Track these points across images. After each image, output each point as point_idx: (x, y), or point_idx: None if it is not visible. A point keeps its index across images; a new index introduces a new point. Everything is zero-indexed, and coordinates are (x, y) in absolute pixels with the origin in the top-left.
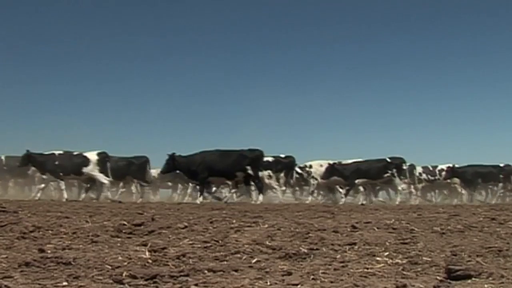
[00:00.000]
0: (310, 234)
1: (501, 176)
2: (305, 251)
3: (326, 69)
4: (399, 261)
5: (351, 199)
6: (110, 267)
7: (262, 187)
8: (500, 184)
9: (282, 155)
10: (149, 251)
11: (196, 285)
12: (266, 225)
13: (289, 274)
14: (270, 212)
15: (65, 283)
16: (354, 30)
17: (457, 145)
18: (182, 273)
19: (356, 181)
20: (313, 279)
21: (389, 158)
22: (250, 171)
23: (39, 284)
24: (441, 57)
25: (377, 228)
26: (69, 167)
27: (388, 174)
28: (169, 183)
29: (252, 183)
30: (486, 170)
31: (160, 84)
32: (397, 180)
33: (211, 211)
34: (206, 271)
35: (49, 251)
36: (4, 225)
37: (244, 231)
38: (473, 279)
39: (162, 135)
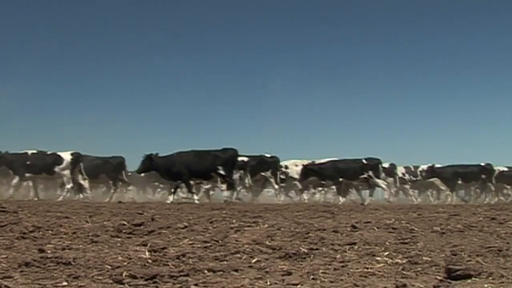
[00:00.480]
0: (310, 234)
1: (482, 176)
2: (305, 251)
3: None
4: (399, 261)
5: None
6: (110, 267)
7: (234, 187)
8: (482, 184)
9: (268, 155)
10: (149, 251)
11: (196, 285)
12: (266, 225)
13: (289, 274)
14: (270, 212)
15: (65, 283)
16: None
17: (455, 146)
18: (182, 273)
19: (334, 181)
20: (313, 279)
21: (365, 159)
22: (223, 171)
23: (39, 284)
24: (427, 58)
25: (377, 228)
26: (41, 166)
27: (364, 175)
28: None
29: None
30: (466, 170)
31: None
32: (375, 180)
33: (211, 211)
34: (206, 271)
35: (49, 251)
36: (4, 225)
37: (244, 231)
38: (473, 278)
39: (162, 135)
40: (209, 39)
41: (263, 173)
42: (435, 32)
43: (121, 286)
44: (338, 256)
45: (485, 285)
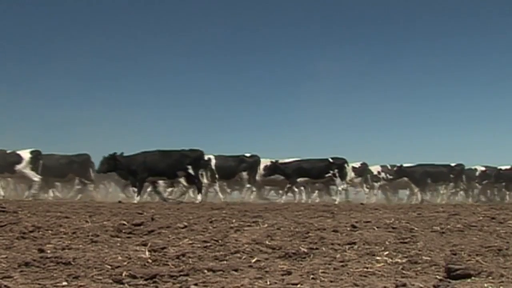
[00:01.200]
0: (309, 234)
1: (451, 176)
2: (305, 250)
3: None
4: (399, 260)
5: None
6: (109, 267)
7: (201, 187)
8: (451, 184)
9: (247, 154)
10: (148, 251)
11: (195, 284)
12: (266, 225)
13: (289, 273)
14: (270, 212)
15: (64, 283)
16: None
17: (455, 146)
18: (181, 273)
19: (298, 179)
20: (312, 278)
21: (332, 158)
22: (190, 171)
23: (39, 284)
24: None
25: (377, 227)
26: (2, 165)
27: (329, 174)
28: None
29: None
30: (435, 169)
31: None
32: (337, 180)
33: (211, 211)
34: (205, 271)
35: (48, 251)
36: (4, 225)
37: (244, 231)
38: (473, 278)
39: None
40: (203, 38)
41: (243, 173)
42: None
43: (121, 286)
44: (338, 255)
45: (485, 285)
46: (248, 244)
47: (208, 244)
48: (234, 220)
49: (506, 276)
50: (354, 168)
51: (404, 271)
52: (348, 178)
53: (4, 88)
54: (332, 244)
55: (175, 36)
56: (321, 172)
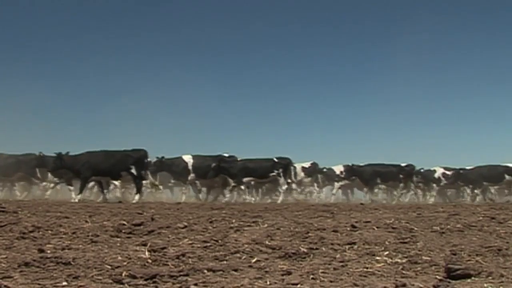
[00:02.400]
0: (309, 234)
1: (401, 176)
2: (305, 250)
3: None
4: (399, 260)
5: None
6: (109, 267)
7: (141, 188)
8: (401, 184)
9: (226, 154)
10: (148, 251)
11: (195, 284)
12: (266, 225)
13: (289, 273)
14: (270, 212)
15: (64, 283)
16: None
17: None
18: (181, 273)
19: (244, 179)
20: (312, 278)
21: (277, 158)
22: (133, 171)
23: (39, 284)
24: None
25: (377, 227)
26: None
27: (274, 174)
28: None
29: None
30: (385, 169)
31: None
32: (281, 180)
33: (211, 211)
34: (205, 271)
35: (48, 251)
36: (3, 225)
37: (244, 231)
38: (473, 278)
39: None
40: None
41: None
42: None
43: (121, 286)
44: (338, 255)
45: (485, 285)
46: (248, 244)
47: (208, 244)
48: (234, 220)
49: (506, 276)
50: (304, 168)
51: (404, 271)
52: (297, 178)
53: None
54: (332, 244)
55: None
56: (266, 172)
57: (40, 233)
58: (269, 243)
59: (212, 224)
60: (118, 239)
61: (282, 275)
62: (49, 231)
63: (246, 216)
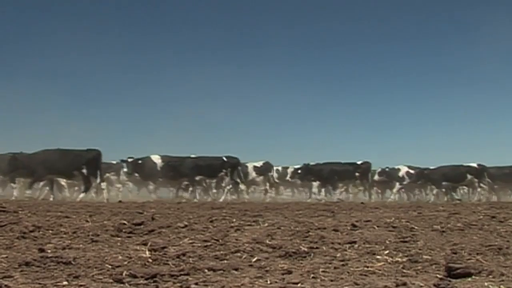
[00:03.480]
0: (310, 233)
1: (357, 174)
2: (305, 249)
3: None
4: (399, 259)
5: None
6: (110, 266)
7: (89, 188)
8: (357, 182)
9: (193, 155)
10: (149, 250)
11: (196, 284)
12: (266, 224)
13: (289, 272)
14: (270, 211)
15: (65, 283)
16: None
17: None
18: (182, 272)
19: (196, 177)
20: (313, 277)
21: (226, 156)
22: (84, 171)
23: (39, 283)
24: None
25: (377, 226)
26: None
27: (222, 173)
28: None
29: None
30: (342, 168)
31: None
32: (227, 179)
33: (211, 210)
34: (206, 270)
35: (49, 251)
36: (4, 225)
37: (244, 230)
38: (473, 277)
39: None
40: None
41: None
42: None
43: (122, 285)
44: (338, 255)
45: (485, 284)
46: (249, 244)
47: (209, 243)
48: (234, 220)
49: (506, 275)
50: (256, 168)
51: (404, 270)
52: (249, 177)
53: None
54: (333, 243)
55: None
56: (215, 171)
57: (41, 232)
58: (270, 242)
59: (213, 223)
60: (119, 238)
61: (283, 274)
62: (50, 231)
63: (247, 216)
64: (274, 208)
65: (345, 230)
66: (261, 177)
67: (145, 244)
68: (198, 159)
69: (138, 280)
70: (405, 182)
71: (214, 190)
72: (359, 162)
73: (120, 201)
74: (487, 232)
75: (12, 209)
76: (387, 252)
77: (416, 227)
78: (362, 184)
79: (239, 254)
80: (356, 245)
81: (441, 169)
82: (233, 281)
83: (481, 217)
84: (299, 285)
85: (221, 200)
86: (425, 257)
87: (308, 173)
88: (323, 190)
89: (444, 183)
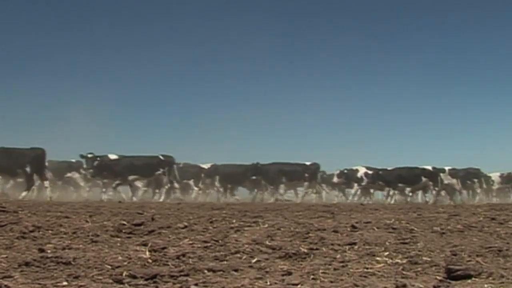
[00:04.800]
0: (310, 234)
1: (306, 175)
2: (305, 251)
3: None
4: (399, 261)
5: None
6: (110, 267)
7: (31, 187)
8: (306, 183)
9: (162, 156)
10: (149, 251)
11: (196, 284)
12: (266, 225)
13: (289, 274)
14: (270, 212)
15: (65, 283)
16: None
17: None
18: (182, 273)
19: (129, 177)
20: (313, 279)
21: (162, 155)
22: (28, 169)
23: (39, 284)
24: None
25: (377, 228)
26: None
27: (159, 172)
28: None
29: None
30: (290, 168)
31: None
32: (165, 179)
33: (211, 211)
34: (206, 271)
35: (49, 251)
36: (4, 225)
37: (244, 231)
38: (473, 279)
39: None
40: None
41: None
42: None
43: (121, 285)
44: (338, 256)
45: (485, 285)
46: (248, 244)
47: (208, 244)
48: (234, 220)
49: (506, 277)
50: (203, 169)
51: (404, 272)
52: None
53: None
54: (332, 244)
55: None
56: (151, 170)
57: (41, 232)
58: (270, 243)
59: (213, 224)
60: (119, 239)
61: (283, 275)
62: (50, 231)
63: (247, 216)
64: (274, 209)
65: (345, 231)
66: (210, 179)
67: (145, 245)
68: (133, 158)
69: (138, 281)
70: (363, 183)
71: (145, 188)
72: (307, 163)
73: (120, 201)
74: (487, 233)
75: (12, 209)
76: (387, 253)
77: (416, 229)
78: (311, 186)
79: (239, 255)
80: (356, 247)
81: (396, 170)
82: (232, 282)
83: (481, 218)
84: (298, 286)
85: (160, 200)
86: (425, 258)
87: (256, 173)
88: (269, 189)
89: (400, 184)
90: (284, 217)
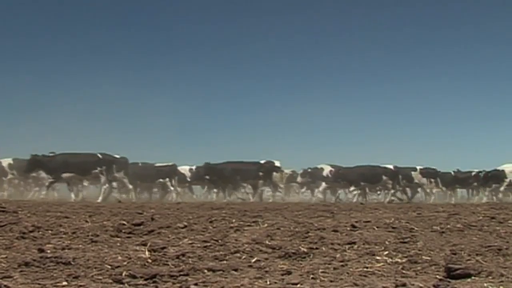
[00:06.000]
0: (309, 234)
1: (260, 173)
2: (305, 250)
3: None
4: (399, 260)
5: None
6: (109, 266)
7: None
8: (260, 182)
9: (117, 155)
10: (148, 250)
11: (195, 284)
12: (266, 225)
13: (289, 273)
14: (270, 212)
15: (64, 283)
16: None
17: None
18: (181, 273)
19: (63, 175)
20: (312, 278)
21: (100, 153)
22: None
23: (39, 284)
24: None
25: (377, 227)
26: None
27: (96, 171)
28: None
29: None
30: (244, 167)
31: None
32: (103, 178)
33: (211, 211)
34: (205, 271)
35: (48, 251)
36: (3, 225)
37: (244, 231)
38: (473, 278)
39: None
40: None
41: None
42: None
43: (121, 285)
44: (338, 255)
45: (485, 284)
46: (248, 244)
47: (208, 244)
48: (234, 220)
49: (506, 276)
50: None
51: (404, 271)
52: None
53: None
54: (332, 244)
55: None
56: (88, 168)
57: (40, 233)
58: (269, 243)
59: (212, 224)
60: (118, 239)
61: (282, 274)
62: (49, 231)
63: (246, 216)
64: (274, 209)
65: (345, 230)
66: (167, 179)
67: (144, 245)
68: (68, 155)
69: (138, 281)
70: (329, 182)
71: (85, 184)
72: (262, 161)
73: (119, 201)
74: (486, 233)
75: (12, 209)
76: (386, 252)
77: (415, 228)
78: (266, 184)
79: (238, 255)
80: (356, 246)
81: (357, 169)
82: (232, 281)
83: (481, 218)
84: (298, 285)
85: (99, 200)
86: (424, 257)
87: (209, 172)
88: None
89: (361, 183)
90: (284, 216)
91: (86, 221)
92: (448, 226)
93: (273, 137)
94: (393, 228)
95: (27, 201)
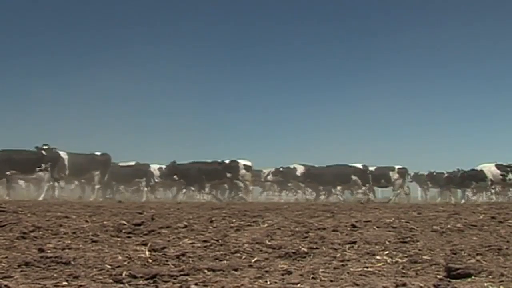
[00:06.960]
0: (310, 233)
1: (227, 174)
2: (305, 250)
3: None
4: (399, 260)
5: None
6: (110, 266)
7: None
8: (226, 181)
9: (98, 153)
10: (149, 250)
11: (196, 284)
12: (266, 224)
13: (289, 273)
14: (270, 212)
15: (65, 283)
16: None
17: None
18: (182, 273)
19: (7, 172)
20: (313, 278)
21: (45, 150)
22: None
23: (39, 284)
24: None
25: (377, 227)
26: None
27: (40, 168)
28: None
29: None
30: (209, 167)
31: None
32: (47, 175)
33: (211, 211)
34: (206, 271)
35: (49, 251)
36: (4, 225)
37: (244, 230)
38: (473, 277)
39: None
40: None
41: (92, 172)
42: None
43: (121, 285)
44: (338, 255)
45: (485, 284)
46: (248, 244)
47: (208, 243)
48: (234, 220)
49: (506, 276)
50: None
51: (404, 271)
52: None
53: None
54: (332, 243)
55: None
56: (31, 165)
57: (40, 233)
58: (270, 243)
59: (212, 223)
60: (118, 238)
61: (283, 274)
62: (49, 231)
63: (247, 216)
64: (274, 209)
65: (345, 230)
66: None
67: (145, 245)
68: (12, 152)
69: (138, 281)
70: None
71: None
72: (227, 161)
73: (119, 201)
74: (486, 232)
75: (12, 209)
76: (386, 252)
77: (415, 228)
78: (232, 184)
79: (238, 255)
80: (356, 246)
81: (327, 168)
82: (232, 281)
83: (481, 217)
84: (298, 285)
85: (40, 198)
86: (424, 257)
87: (173, 172)
88: (191, 189)
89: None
90: (284, 216)
91: (86, 221)
92: (448, 225)
93: (250, 137)
94: (393, 227)
95: (27, 201)
